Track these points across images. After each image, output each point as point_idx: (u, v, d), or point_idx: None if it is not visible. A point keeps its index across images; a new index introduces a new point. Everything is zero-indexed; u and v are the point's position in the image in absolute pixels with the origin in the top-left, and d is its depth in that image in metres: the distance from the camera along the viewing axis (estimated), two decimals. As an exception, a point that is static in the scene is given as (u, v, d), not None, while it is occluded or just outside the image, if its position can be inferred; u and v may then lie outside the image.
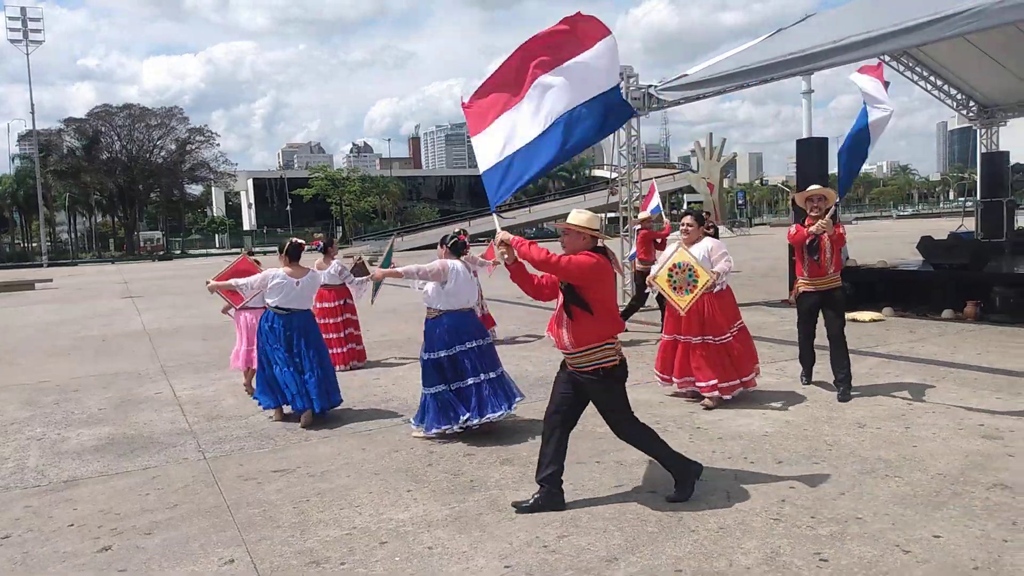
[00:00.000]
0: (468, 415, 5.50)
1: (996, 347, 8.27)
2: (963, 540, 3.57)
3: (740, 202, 75.33)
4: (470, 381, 5.60)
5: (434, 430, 5.59)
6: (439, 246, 6.02)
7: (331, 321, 8.66)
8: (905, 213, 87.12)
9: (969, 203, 23.40)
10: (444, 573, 3.51)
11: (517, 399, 5.81)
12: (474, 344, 5.69)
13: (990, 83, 15.01)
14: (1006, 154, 15.70)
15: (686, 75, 12.75)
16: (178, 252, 68.49)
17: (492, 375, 5.70)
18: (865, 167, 9.24)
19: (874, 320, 10.45)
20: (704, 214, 7.15)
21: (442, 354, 5.62)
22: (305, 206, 75.64)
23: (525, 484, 4.58)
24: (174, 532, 4.15)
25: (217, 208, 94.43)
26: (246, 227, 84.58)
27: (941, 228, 18.09)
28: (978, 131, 16.76)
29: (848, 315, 10.77)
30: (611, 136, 13.91)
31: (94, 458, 5.66)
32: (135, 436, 6.24)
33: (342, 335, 8.76)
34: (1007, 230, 14.64)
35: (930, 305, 10.81)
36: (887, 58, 13.87)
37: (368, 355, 9.15)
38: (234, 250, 55.48)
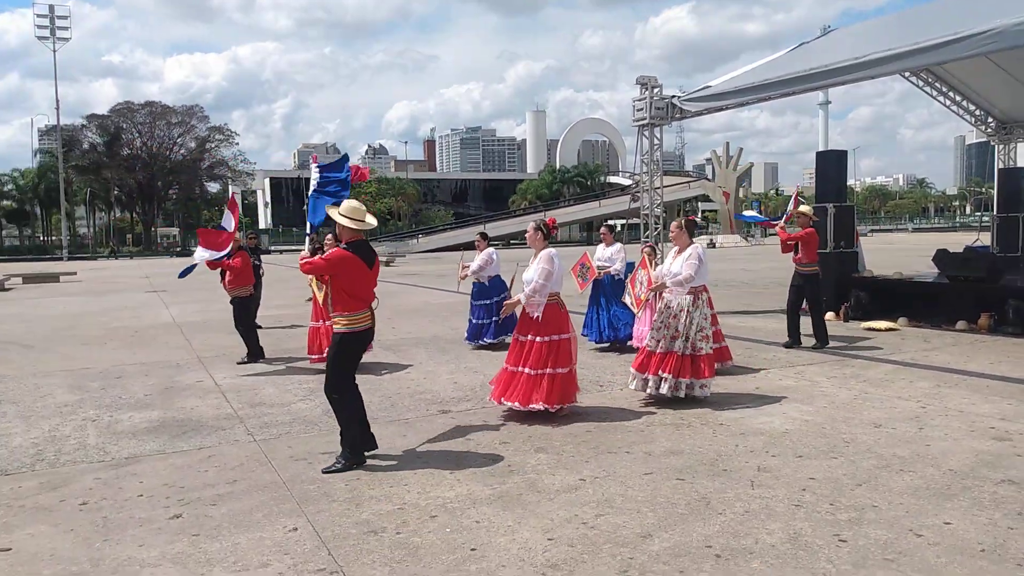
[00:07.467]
0: None
1: (1009, 357, 8.51)
2: (972, 527, 3.86)
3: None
4: None
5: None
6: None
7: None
8: (921, 226, 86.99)
9: (986, 217, 23.55)
10: (492, 544, 3.82)
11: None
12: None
13: (1009, 100, 15.24)
14: (1023, 170, 15.89)
15: (709, 87, 13.06)
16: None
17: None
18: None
19: (889, 329, 10.71)
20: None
21: None
22: (321, 206, 76.14)
23: (560, 470, 4.91)
24: (237, 504, 4.49)
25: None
26: (262, 226, 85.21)
27: (957, 242, 18.28)
28: (995, 147, 16.97)
29: (864, 324, 11.09)
30: (632, 144, 14.26)
31: (149, 438, 6.01)
32: (184, 420, 6.59)
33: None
34: (1022, 245, 14.86)
35: (944, 316, 11.05)
36: (907, 73, 14.13)
37: (396, 351, 9.49)
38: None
